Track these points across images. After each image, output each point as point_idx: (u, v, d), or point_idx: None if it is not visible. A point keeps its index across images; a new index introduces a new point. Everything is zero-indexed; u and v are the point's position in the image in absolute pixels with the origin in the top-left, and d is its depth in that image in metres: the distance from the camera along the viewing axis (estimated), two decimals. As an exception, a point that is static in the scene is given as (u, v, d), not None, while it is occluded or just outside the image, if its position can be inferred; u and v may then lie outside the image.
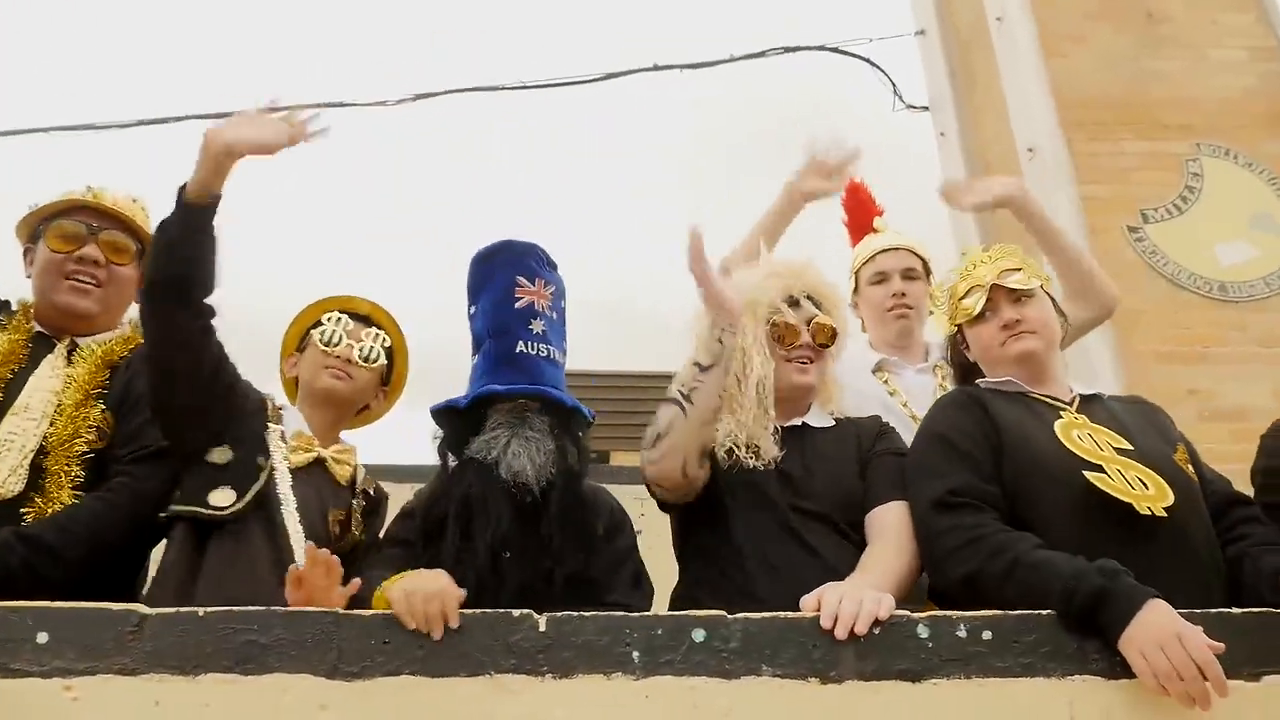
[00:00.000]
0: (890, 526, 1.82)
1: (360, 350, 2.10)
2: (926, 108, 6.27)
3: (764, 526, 1.88)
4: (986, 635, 1.49)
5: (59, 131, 5.36)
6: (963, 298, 2.02)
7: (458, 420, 1.99)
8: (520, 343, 1.99)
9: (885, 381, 2.55)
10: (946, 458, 1.77)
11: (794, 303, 2.06)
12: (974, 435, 1.79)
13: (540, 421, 1.92)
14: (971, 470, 1.73)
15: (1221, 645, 1.45)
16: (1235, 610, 1.54)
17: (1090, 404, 1.91)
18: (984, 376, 2.00)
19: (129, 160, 5.38)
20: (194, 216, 1.86)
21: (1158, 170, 4.80)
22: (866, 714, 1.44)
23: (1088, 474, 1.69)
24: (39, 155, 5.25)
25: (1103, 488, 1.67)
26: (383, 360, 2.15)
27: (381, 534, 2.06)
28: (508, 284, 2.03)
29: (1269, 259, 4.60)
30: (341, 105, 5.83)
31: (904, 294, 2.65)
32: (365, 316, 2.19)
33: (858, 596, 1.50)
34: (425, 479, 2.04)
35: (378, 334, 2.14)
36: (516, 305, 2.02)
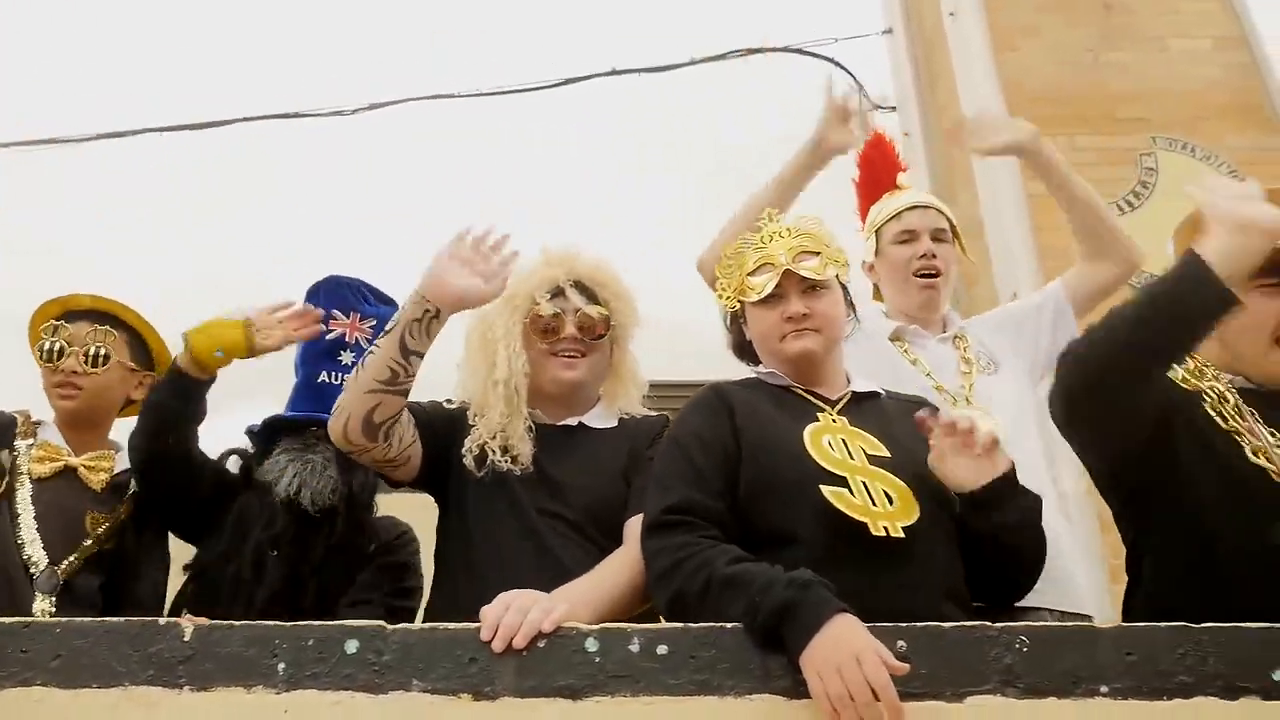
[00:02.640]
0: (630, 539, 1.71)
1: (88, 354, 2.06)
2: (894, 108, 6.12)
3: (506, 532, 1.79)
4: (662, 650, 1.38)
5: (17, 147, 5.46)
6: (752, 272, 1.83)
7: (259, 442, 2.16)
8: (323, 373, 2.14)
9: (905, 350, 2.32)
10: (675, 469, 1.64)
11: (558, 293, 1.95)
12: (710, 444, 1.66)
13: (326, 448, 1.96)
14: (695, 484, 1.60)
15: (905, 666, 1.33)
16: (945, 625, 1.41)
17: (860, 404, 1.77)
18: (757, 356, 1.87)
19: (88, 173, 5.46)
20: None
21: (1111, 166, 4.60)
22: (518, 733, 1.34)
23: (825, 489, 1.56)
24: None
25: (837, 505, 1.55)
26: (115, 356, 2.10)
27: None
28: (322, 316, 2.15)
29: (1226, 256, 4.38)
30: (299, 116, 5.88)
31: (933, 256, 2.37)
32: (90, 311, 2.13)
33: (525, 607, 1.40)
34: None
35: (105, 330, 2.09)
36: (326, 337, 2.15)
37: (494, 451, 1.84)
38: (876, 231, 2.51)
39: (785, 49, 6.18)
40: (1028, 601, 2.00)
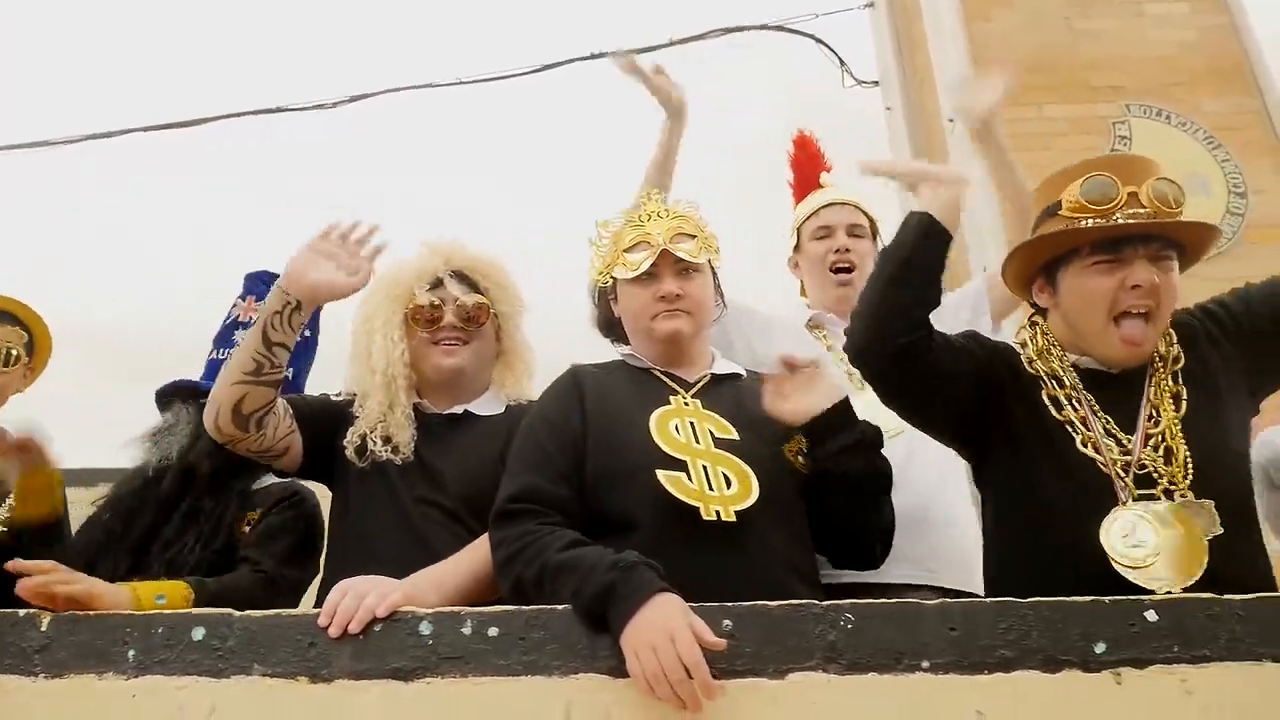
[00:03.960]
0: None
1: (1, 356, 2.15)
2: (877, 83, 6.06)
3: (382, 521, 1.83)
4: (493, 632, 1.42)
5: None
6: (628, 249, 1.84)
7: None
8: (216, 350, 2.22)
9: (824, 338, 2.38)
10: (523, 455, 1.68)
11: (438, 283, 1.99)
12: (558, 428, 1.69)
13: (186, 412, 1.99)
14: (540, 470, 1.64)
15: (722, 643, 1.36)
16: (771, 604, 1.43)
17: (718, 386, 1.79)
18: (624, 333, 1.91)
19: (73, 176, 5.59)
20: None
21: (1083, 135, 4.53)
22: (350, 714, 1.39)
23: (661, 473, 1.59)
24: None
25: (671, 489, 1.58)
26: (24, 355, 2.19)
27: None
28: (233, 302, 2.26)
29: (1199, 224, 4.30)
30: (280, 110, 5.95)
31: (848, 250, 2.43)
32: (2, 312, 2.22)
33: (363, 593, 1.45)
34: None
35: (18, 331, 2.17)
36: (226, 320, 2.26)
37: (374, 441, 1.89)
38: (798, 229, 2.57)
39: (765, 27, 6.14)
40: (929, 580, 2.02)
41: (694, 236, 1.85)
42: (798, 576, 1.60)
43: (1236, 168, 4.37)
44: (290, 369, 2.30)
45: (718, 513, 1.56)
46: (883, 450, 1.72)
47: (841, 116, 6.29)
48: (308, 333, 2.30)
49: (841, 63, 6.08)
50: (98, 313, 4.72)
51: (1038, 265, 1.67)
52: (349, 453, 1.90)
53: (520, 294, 2.08)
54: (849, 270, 2.39)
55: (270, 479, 2.13)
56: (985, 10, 4.86)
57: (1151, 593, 1.45)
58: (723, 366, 1.84)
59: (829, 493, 1.68)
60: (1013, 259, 1.68)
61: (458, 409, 2.00)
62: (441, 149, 6.16)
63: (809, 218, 2.53)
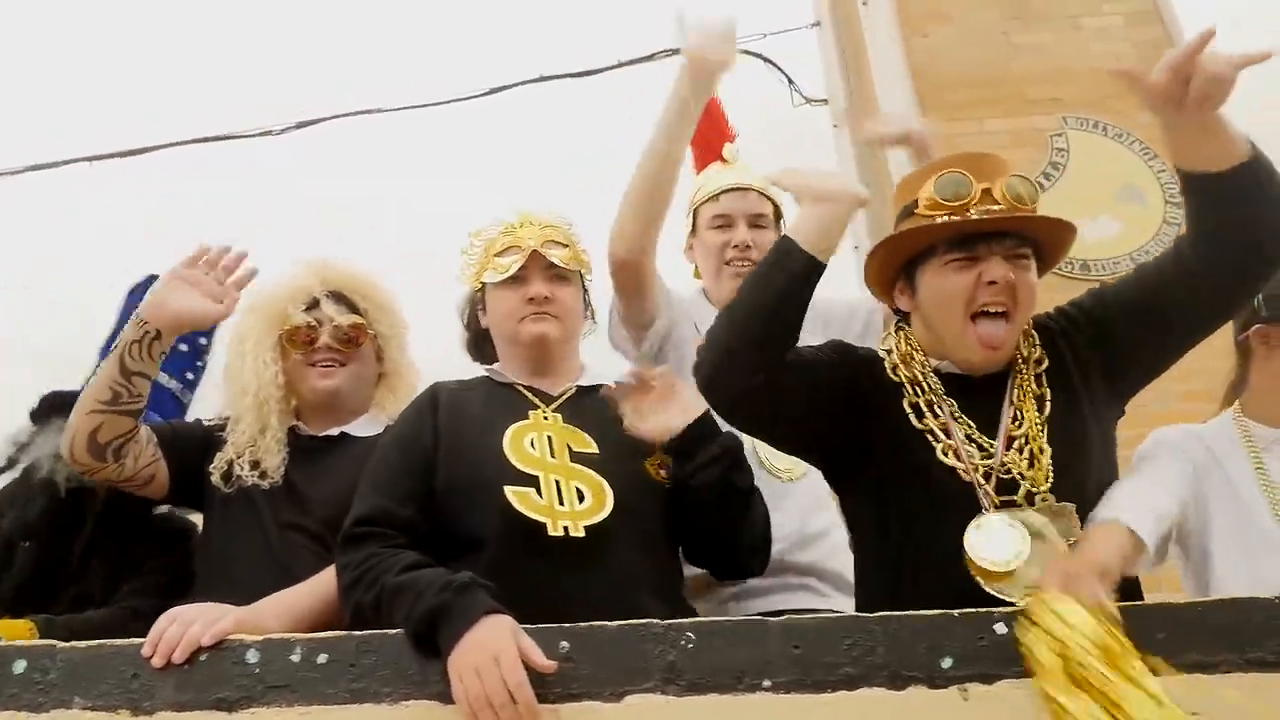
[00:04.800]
0: None
1: None
2: (826, 101, 6.07)
3: (245, 548, 1.79)
4: (322, 659, 1.38)
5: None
6: (499, 253, 1.81)
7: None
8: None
9: None
10: (374, 475, 1.64)
11: (314, 304, 1.95)
12: (408, 447, 1.66)
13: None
14: (388, 491, 1.60)
15: (552, 665, 1.32)
16: (610, 624, 1.39)
17: (583, 399, 1.75)
18: (493, 353, 1.87)
19: (18, 205, 5.54)
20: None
21: (1021, 148, 4.52)
22: (170, 748, 1.34)
23: (509, 490, 1.55)
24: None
25: (518, 506, 1.54)
26: None
27: None
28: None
29: (1135, 234, 4.30)
30: (228, 138, 5.93)
31: (748, 246, 2.24)
32: None
33: (190, 621, 1.40)
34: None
35: None
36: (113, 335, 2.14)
37: (241, 466, 1.84)
38: (694, 210, 2.38)
39: (714, 47, 6.15)
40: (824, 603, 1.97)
41: (566, 246, 1.83)
42: (654, 593, 1.55)
43: (1172, 178, 4.37)
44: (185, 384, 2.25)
45: (565, 529, 1.52)
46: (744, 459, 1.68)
47: (791, 136, 6.31)
48: (203, 340, 2.23)
49: (790, 82, 6.10)
50: (34, 342, 4.65)
51: (897, 267, 1.64)
52: (215, 478, 1.85)
53: (401, 314, 2.05)
54: (748, 265, 2.22)
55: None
56: (922, 26, 4.88)
57: (1008, 603, 1.40)
58: (591, 378, 1.81)
59: (694, 506, 1.64)
60: (871, 261, 1.65)
61: (334, 431, 1.96)
62: (390, 174, 6.13)
63: (707, 201, 2.33)
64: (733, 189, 2.31)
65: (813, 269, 1.50)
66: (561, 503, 1.54)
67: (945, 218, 1.54)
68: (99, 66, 5.80)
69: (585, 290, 1.90)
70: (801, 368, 1.54)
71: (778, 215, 2.37)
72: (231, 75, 5.81)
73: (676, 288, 2.30)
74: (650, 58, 6.21)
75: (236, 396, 1.91)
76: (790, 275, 1.50)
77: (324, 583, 1.61)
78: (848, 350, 1.66)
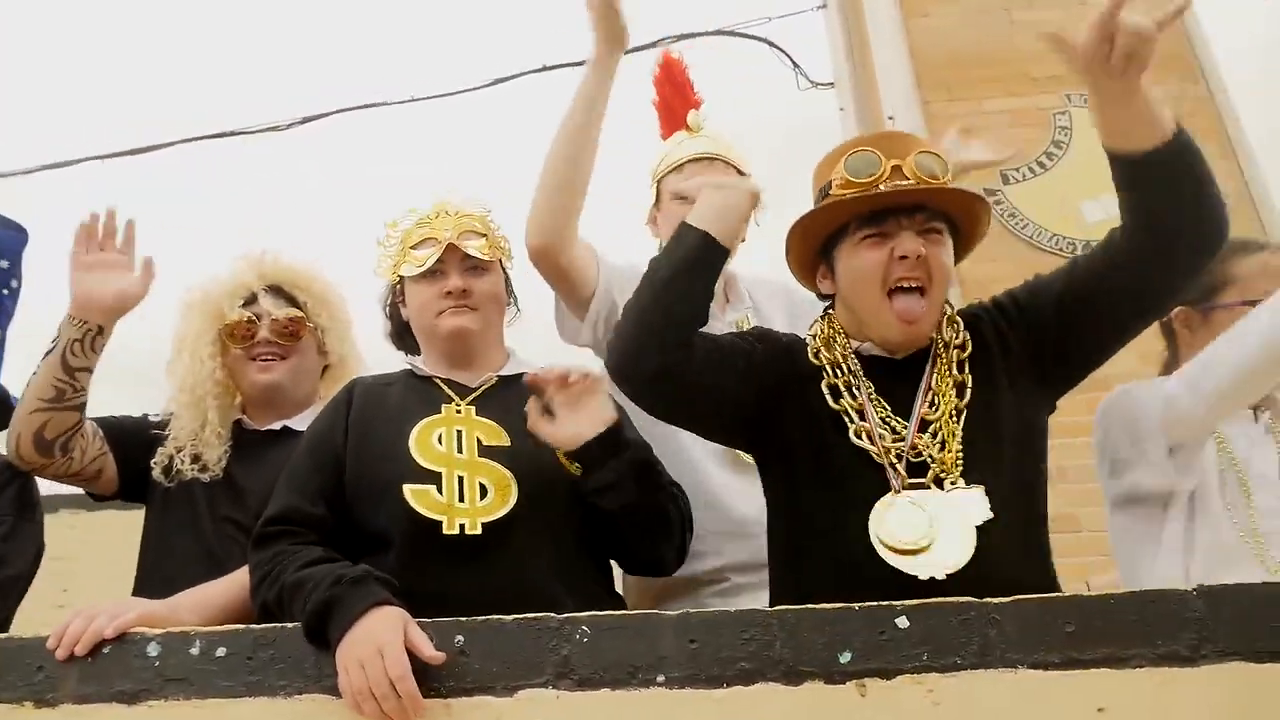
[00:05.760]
0: None
1: None
2: (832, 84, 5.98)
3: (181, 543, 1.81)
4: (220, 653, 1.38)
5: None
6: (415, 246, 1.78)
7: None
8: None
9: None
10: (289, 474, 1.65)
11: (252, 299, 1.96)
12: (320, 446, 1.66)
13: None
14: (300, 489, 1.60)
15: (441, 657, 1.31)
16: (506, 619, 1.37)
17: (503, 390, 1.73)
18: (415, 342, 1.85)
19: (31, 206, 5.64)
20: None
21: (1023, 127, 4.44)
22: (70, 739, 1.35)
23: (407, 487, 1.55)
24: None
25: (413, 503, 1.53)
26: None
27: None
28: None
29: (1140, 214, 4.19)
30: (234, 134, 5.99)
31: None
32: None
33: (94, 614, 1.41)
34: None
35: None
36: None
37: (182, 460, 1.85)
38: (658, 182, 2.25)
39: (720, 32, 6.10)
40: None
41: (483, 235, 1.80)
42: (564, 586, 1.53)
43: (1180, 155, 4.26)
44: None
45: (462, 526, 1.51)
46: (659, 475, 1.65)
47: (799, 120, 6.23)
48: (14, 283, 2.14)
49: (796, 66, 6.02)
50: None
51: (815, 250, 1.61)
52: (156, 473, 1.87)
53: (343, 306, 2.04)
54: None
55: None
56: (922, 6, 4.79)
57: (909, 594, 1.36)
58: (516, 367, 1.79)
59: (606, 524, 1.61)
60: (790, 245, 1.62)
61: (276, 425, 1.97)
62: (396, 167, 6.16)
63: (671, 171, 2.20)
64: (698, 158, 2.20)
65: (707, 247, 1.49)
66: (462, 499, 1.54)
67: (860, 195, 1.51)
68: (103, 68, 5.89)
69: (507, 277, 1.88)
70: (712, 351, 1.52)
71: None
72: (236, 72, 5.87)
73: (635, 262, 2.25)
74: (655, 44, 6.19)
75: (175, 392, 1.92)
76: (685, 252, 1.49)
77: (241, 579, 1.62)
78: (768, 335, 1.63)
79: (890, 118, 4.68)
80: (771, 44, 5.99)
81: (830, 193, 1.55)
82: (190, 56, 6.10)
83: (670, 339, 1.47)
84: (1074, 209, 4.20)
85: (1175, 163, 1.41)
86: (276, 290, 1.98)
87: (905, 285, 1.50)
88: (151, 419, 2.01)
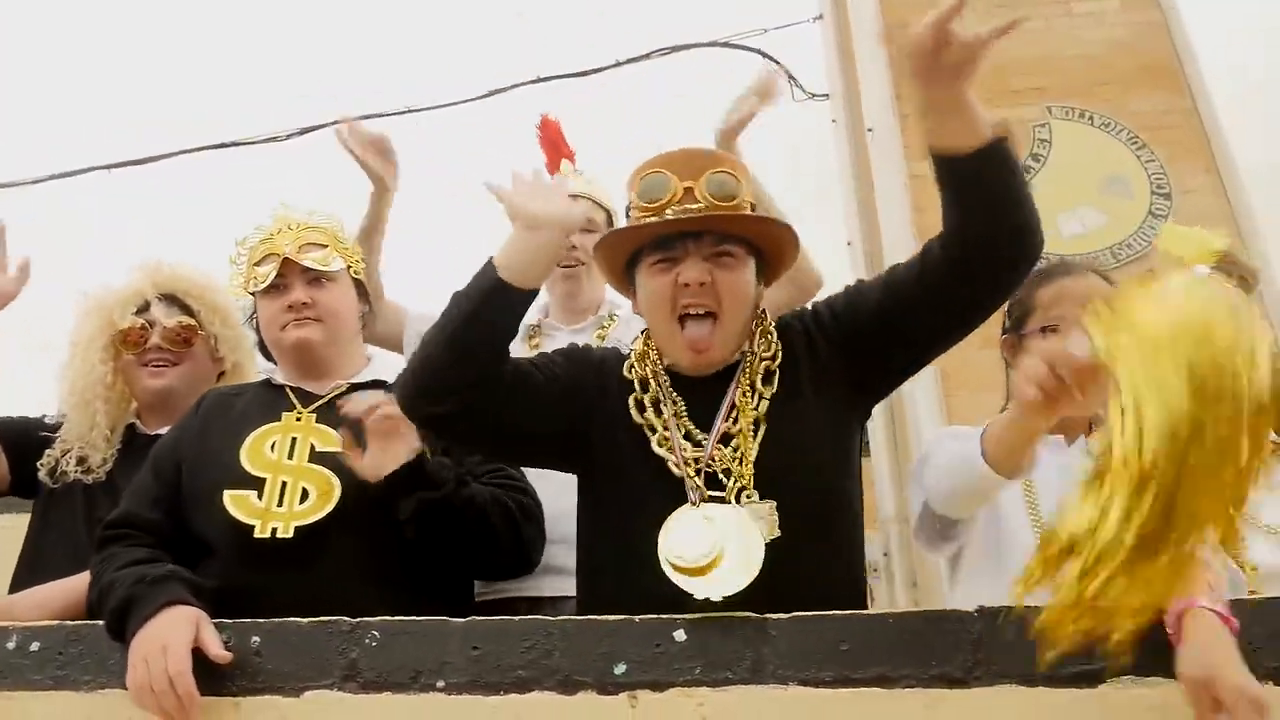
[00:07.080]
0: None
1: None
2: (828, 95, 5.95)
3: (58, 543, 1.87)
4: (34, 647, 1.44)
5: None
6: (258, 262, 1.82)
7: None
8: None
9: (536, 346, 2.29)
10: (134, 484, 1.71)
11: (144, 307, 2.02)
12: (164, 453, 1.72)
13: None
14: (140, 495, 1.66)
15: (228, 656, 1.37)
16: (302, 621, 1.40)
17: (346, 396, 1.76)
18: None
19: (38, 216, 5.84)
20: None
21: (1001, 140, 4.37)
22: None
23: (228, 493, 1.59)
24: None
25: (231, 509, 1.58)
26: None
27: None
28: None
29: (1117, 226, 4.10)
30: (235, 145, 6.15)
31: (573, 247, 2.30)
32: None
33: None
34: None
35: None
36: None
37: (67, 462, 1.92)
38: None
39: (714, 44, 6.11)
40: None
41: (325, 246, 1.83)
42: (377, 589, 1.54)
43: (1161, 168, 4.17)
44: None
45: (274, 530, 1.55)
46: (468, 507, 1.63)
47: (796, 132, 6.21)
48: None
49: (791, 78, 5.99)
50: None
51: (621, 270, 1.62)
52: (41, 474, 1.94)
53: (232, 312, 2.10)
54: (571, 266, 2.33)
55: None
56: (904, 17, 4.74)
57: (688, 608, 1.36)
58: (372, 374, 1.83)
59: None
60: (598, 265, 1.64)
61: (166, 430, 2.02)
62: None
63: None
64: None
65: (505, 291, 1.45)
66: (281, 504, 1.57)
67: (649, 219, 1.51)
68: (106, 77, 6.07)
69: (358, 282, 1.91)
70: (516, 377, 1.51)
71: (610, 223, 2.42)
72: (237, 84, 6.01)
73: None
74: (648, 56, 6.22)
75: (66, 395, 1.99)
76: (481, 296, 1.46)
77: (84, 580, 1.68)
78: (575, 354, 1.63)
79: (870, 130, 4.66)
80: (767, 56, 5.97)
81: (629, 213, 1.57)
82: (192, 69, 6.27)
83: (468, 375, 1.46)
84: (1050, 222, 4.10)
85: (991, 166, 1.40)
86: (170, 298, 2.05)
87: (693, 312, 1.50)
88: (48, 421, 2.08)
